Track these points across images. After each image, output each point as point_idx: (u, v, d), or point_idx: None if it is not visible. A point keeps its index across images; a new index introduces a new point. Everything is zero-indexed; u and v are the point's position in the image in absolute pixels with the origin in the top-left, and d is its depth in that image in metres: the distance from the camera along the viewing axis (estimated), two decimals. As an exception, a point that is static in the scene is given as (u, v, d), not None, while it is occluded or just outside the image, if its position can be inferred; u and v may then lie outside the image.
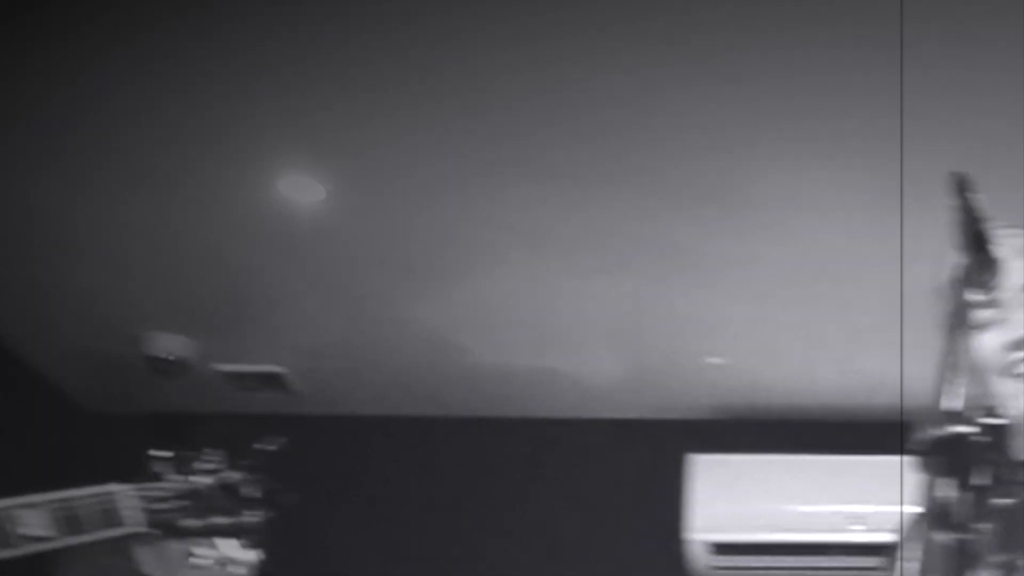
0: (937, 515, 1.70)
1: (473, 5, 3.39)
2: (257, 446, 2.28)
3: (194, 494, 2.25)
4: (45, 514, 2.16)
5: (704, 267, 4.65)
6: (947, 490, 1.69)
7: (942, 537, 1.70)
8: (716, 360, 5.27)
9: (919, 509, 1.72)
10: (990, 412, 1.72)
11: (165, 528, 2.22)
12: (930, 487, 1.71)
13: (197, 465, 2.27)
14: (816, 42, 3.50)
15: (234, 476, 2.30)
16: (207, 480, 2.27)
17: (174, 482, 2.25)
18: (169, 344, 5.20)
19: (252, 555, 2.28)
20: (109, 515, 2.19)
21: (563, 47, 3.54)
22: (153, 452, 2.27)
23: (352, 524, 5.63)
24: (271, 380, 5.49)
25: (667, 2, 3.40)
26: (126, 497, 2.20)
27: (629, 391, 5.56)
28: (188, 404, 5.53)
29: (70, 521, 2.16)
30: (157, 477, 2.24)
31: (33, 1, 3.32)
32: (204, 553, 2.25)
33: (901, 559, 1.80)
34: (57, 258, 4.64)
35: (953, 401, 1.70)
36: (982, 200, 1.79)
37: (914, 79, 3.53)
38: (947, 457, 1.69)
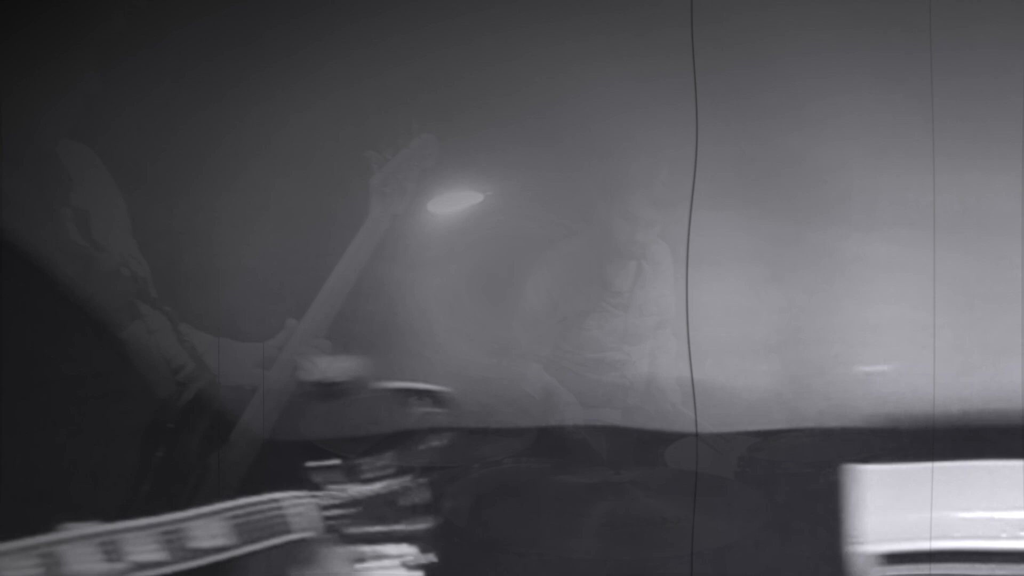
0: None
1: (630, 16, 3.39)
2: (423, 446, 2.32)
3: (361, 501, 2.30)
4: (217, 524, 2.22)
5: (857, 275, 4.60)
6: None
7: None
8: (872, 368, 5.20)
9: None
10: None
11: (333, 534, 2.27)
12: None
13: (363, 474, 2.32)
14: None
15: (400, 483, 2.34)
16: (374, 487, 2.31)
17: (341, 490, 2.30)
18: (330, 366, 5.28)
19: (420, 560, 2.32)
20: (278, 522, 2.24)
21: (721, 63, 3.54)
22: (319, 463, 2.32)
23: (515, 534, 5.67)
24: (432, 397, 5.54)
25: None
26: (294, 504, 2.26)
27: (786, 402, 5.49)
28: (351, 424, 5.60)
29: (241, 530, 2.23)
30: (324, 486, 2.30)
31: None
32: (372, 558, 2.29)
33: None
34: (217, 285, 4.76)
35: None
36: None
37: None
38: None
